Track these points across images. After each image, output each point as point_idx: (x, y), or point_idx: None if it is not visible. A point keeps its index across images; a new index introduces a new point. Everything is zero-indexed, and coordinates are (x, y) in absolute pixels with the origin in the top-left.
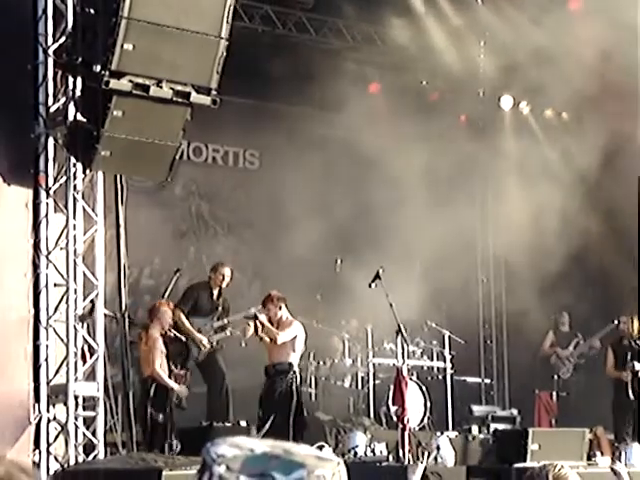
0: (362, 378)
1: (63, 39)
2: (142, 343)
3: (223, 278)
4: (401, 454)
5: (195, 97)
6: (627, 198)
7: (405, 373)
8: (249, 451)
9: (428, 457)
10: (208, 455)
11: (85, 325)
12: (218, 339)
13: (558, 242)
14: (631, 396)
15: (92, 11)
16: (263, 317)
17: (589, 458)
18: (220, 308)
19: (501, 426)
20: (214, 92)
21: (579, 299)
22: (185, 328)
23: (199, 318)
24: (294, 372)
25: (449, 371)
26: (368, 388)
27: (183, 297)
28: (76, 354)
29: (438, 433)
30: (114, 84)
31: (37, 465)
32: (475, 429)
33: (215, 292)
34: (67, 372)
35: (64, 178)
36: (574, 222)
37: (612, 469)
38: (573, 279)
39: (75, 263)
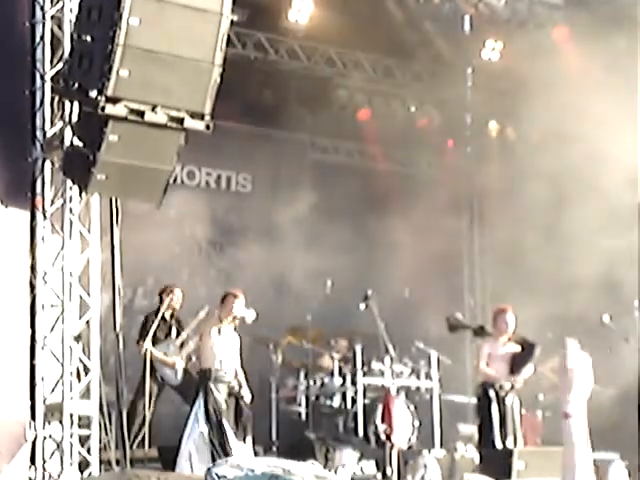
0: (352, 398)
1: (60, 65)
2: None
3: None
4: (388, 472)
5: (189, 122)
6: None
7: (393, 393)
8: (249, 471)
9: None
10: (210, 476)
11: (80, 344)
12: (186, 354)
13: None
14: None
15: (89, 38)
16: None
17: None
18: (174, 327)
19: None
20: (207, 117)
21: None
22: (155, 357)
23: (159, 344)
24: None
25: (436, 390)
26: (357, 407)
27: (142, 329)
28: (71, 373)
29: (425, 452)
30: (110, 109)
31: None
32: (462, 448)
33: (167, 315)
34: (62, 391)
35: (60, 201)
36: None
37: None
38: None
39: (71, 284)
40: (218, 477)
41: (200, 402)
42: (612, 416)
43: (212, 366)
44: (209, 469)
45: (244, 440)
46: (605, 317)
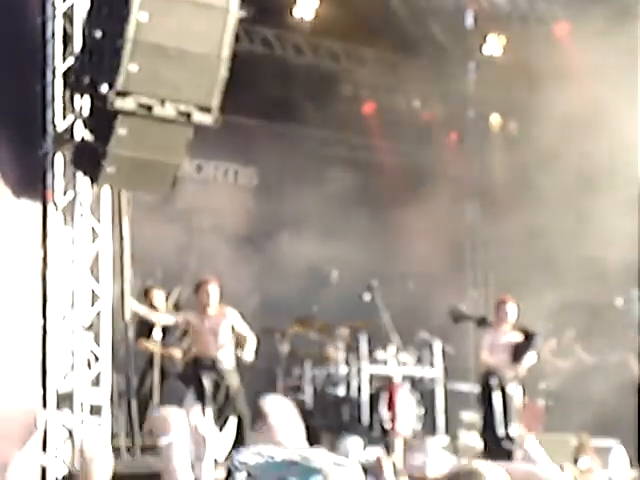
0: (357, 387)
1: (71, 61)
2: None
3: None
4: (393, 459)
5: (197, 116)
6: None
7: (398, 381)
8: (269, 458)
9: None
10: (232, 462)
11: (91, 334)
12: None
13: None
14: None
15: (99, 34)
16: None
17: (575, 462)
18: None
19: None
20: (215, 111)
21: None
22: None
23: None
24: None
25: (440, 379)
26: (362, 396)
27: (139, 327)
28: (82, 363)
29: (429, 439)
30: (120, 104)
31: (45, 469)
32: (465, 435)
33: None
34: (73, 380)
35: (71, 193)
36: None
37: None
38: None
39: (82, 275)
40: (240, 463)
41: (191, 390)
42: (612, 404)
43: (198, 354)
44: (232, 456)
45: (221, 428)
46: (618, 300)
